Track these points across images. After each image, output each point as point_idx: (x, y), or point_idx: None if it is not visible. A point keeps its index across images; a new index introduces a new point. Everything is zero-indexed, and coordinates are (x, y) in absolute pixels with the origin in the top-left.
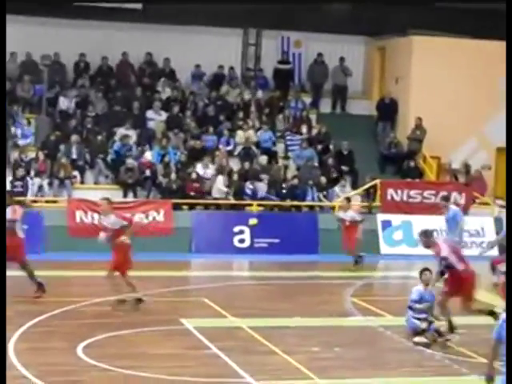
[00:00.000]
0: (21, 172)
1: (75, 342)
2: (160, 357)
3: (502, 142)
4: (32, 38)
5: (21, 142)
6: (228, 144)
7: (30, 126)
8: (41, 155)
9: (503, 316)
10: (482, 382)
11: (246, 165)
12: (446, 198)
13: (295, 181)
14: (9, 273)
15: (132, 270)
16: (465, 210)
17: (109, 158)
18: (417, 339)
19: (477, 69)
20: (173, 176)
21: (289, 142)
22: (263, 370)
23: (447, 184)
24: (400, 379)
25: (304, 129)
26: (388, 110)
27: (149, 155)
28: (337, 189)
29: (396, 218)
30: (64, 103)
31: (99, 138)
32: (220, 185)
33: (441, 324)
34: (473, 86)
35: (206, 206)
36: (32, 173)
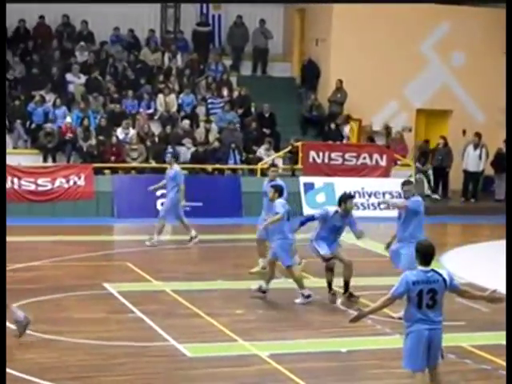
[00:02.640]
0: None
1: None
2: (83, 321)
3: (421, 104)
4: None
5: None
6: (149, 108)
7: None
8: None
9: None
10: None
11: (168, 129)
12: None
13: (216, 143)
14: None
15: (53, 234)
16: (386, 171)
17: (27, 123)
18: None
19: (397, 31)
20: (93, 141)
21: (210, 106)
22: (187, 333)
23: (368, 146)
24: (320, 340)
25: (225, 92)
26: (309, 73)
27: (68, 119)
28: (261, 151)
29: (318, 181)
30: None
31: (17, 102)
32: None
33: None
34: (393, 48)
35: (128, 170)
36: None
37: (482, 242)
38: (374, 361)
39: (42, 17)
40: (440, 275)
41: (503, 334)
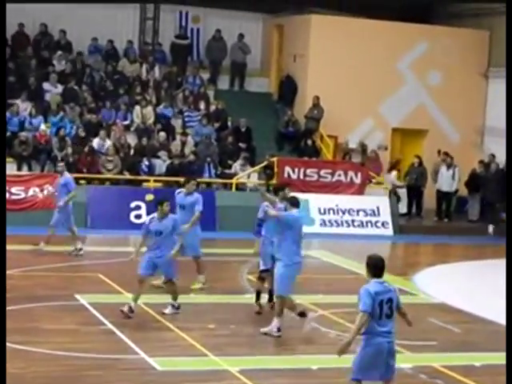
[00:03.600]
0: None
1: None
2: (53, 332)
3: (397, 122)
4: None
5: None
6: (125, 119)
7: None
8: None
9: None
10: None
11: (144, 140)
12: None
13: (191, 157)
14: None
15: (26, 243)
16: (360, 189)
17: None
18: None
19: (375, 49)
20: (69, 150)
21: (187, 119)
22: (158, 347)
23: (343, 163)
24: (292, 357)
25: (202, 105)
26: (286, 88)
27: (43, 126)
28: (237, 166)
29: None
30: None
31: None
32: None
33: None
34: (371, 65)
35: (102, 181)
36: None
37: (455, 261)
38: (344, 379)
39: (21, 24)
40: (391, 285)
41: (474, 354)
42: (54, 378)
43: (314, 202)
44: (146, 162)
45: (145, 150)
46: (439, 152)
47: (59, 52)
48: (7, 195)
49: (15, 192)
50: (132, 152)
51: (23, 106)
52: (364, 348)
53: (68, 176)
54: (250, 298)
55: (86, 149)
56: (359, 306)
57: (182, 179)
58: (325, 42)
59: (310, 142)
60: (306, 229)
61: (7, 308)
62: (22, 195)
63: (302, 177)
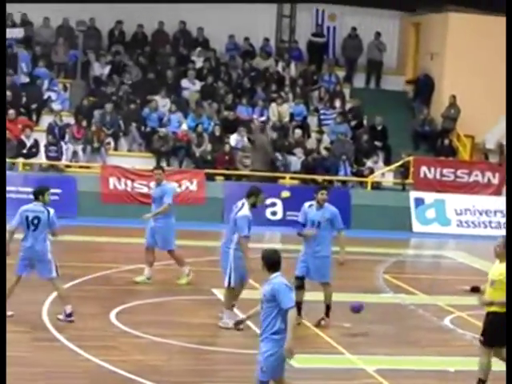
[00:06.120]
0: (55, 137)
1: (108, 307)
2: (191, 325)
3: None
4: (69, 4)
5: (55, 107)
6: (261, 115)
7: (65, 92)
8: (74, 121)
9: None
10: None
11: (279, 137)
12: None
13: (325, 153)
14: None
15: None
16: (498, 190)
17: (142, 126)
18: None
19: None
20: (207, 146)
21: (322, 117)
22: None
23: (481, 163)
24: (428, 358)
25: (337, 103)
26: (423, 87)
27: (184, 126)
28: (372, 164)
29: (429, 196)
30: (98, 69)
31: (133, 105)
32: None
33: None
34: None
35: (239, 178)
36: (66, 138)
37: None
38: None
39: (161, 23)
40: None
41: None
42: (190, 371)
43: (451, 202)
44: (280, 158)
45: (280, 146)
46: None
47: (198, 49)
48: (146, 189)
49: (154, 187)
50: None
51: (162, 103)
52: (278, 349)
53: (168, 186)
54: (386, 297)
55: (224, 146)
56: (285, 303)
57: (318, 177)
58: (462, 41)
59: (446, 141)
60: (442, 229)
61: (146, 301)
62: None
63: (438, 177)
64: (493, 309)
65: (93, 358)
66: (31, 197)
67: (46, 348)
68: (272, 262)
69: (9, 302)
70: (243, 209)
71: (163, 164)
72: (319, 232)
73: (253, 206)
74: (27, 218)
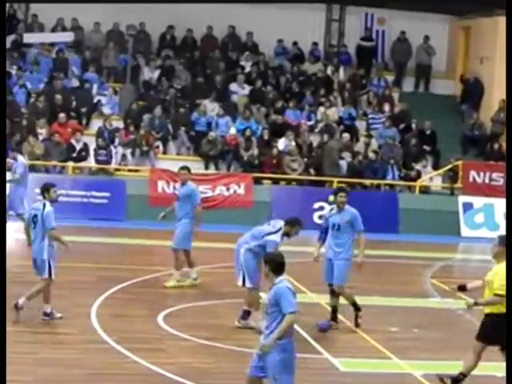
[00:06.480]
0: (105, 141)
1: (156, 310)
2: (237, 329)
3: None
4: (119, 8)
5: (105, 111)
6: (309, 119)
7: (115, 95)
8: (123, 125)
9: None
10: None
11: (327, 141)
12: None
13: (373, 156)
14: (92, 239)
15: (211, 241)
16: None
17: (191, 130)
18: None
19: None
20: (255, 150)
21: (371, 121)
22: (340, 347)
23: None
24: (479, 363)
25: (386, 107)
26: (472, 91)
27: (233, 130)
28: (421, 168)
29: (478, 201)
30: (148, 73)
31: (182, 109)
32: None
33: None
34: None
35: (287, 182)
36: (116, 141)
37: None
38: None
39: (210, 27)
40: None
41: None
42: (237, 373)
43: (500, 206)
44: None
45: (328, 150)
46: None
47: (247, 53)
48: None
49: (203, 190)
50: (316, 152)
51: (211, 107)
52: (284, 351)
53: (193, 187)
54: (434, 302)
55: (271, 150)
56: (286, 308)
57: (365, 181)
58: None
59: (496, 145)
60: (491, 234)
61: (193, 304)
62: (209, 193)
63: (487, 181)
64: (488, 310)
65: (141, 360)
66: (79, 200)
67: (95, 350)
68: (276, 264)
69: (58, 304)
70: (277, 234)
71: (211, 168)
72: (339, 235)
73: (285, 234)
74: (30, 215)
